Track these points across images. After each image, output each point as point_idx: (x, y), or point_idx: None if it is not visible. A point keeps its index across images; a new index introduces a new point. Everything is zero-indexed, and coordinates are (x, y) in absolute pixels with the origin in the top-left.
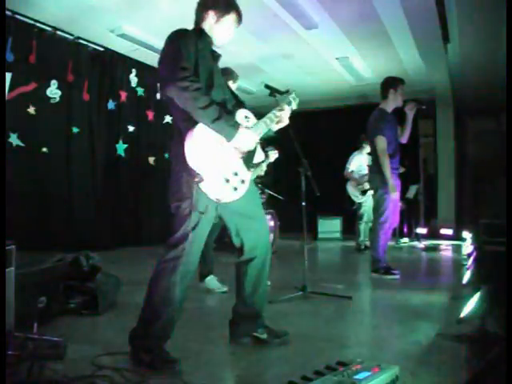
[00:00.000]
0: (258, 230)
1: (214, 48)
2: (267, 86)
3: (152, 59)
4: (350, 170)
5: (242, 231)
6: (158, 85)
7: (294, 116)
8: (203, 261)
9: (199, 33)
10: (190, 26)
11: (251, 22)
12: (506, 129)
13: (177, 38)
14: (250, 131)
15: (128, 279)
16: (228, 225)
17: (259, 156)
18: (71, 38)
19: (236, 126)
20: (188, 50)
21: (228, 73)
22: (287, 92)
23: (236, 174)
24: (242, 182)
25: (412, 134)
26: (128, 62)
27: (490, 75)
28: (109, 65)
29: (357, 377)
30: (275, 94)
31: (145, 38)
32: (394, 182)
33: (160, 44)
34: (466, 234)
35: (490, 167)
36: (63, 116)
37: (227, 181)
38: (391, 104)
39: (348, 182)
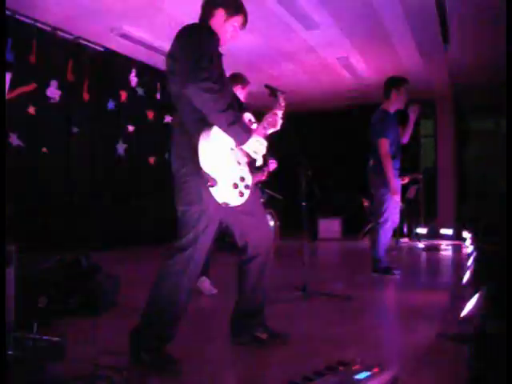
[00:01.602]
0: (261, 229)
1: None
2: (267, 86)
3: (152, 59)
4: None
5: (246, 232)
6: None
7: (295, 116)
8: None
9: (211, 31)
10: None
11: (251, 21)
12: (506, 129)
13: (197, 34)
14: (260, 136)
15: (128, 279)
16: (232, 227)
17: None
18: (71, 37)
19: (249, 131)
20: (206, 48)
21: (238, 78)
22: (276, 95)
23: (243, 179)
24: (247, 187)
25: (412, 134)
26: (128, 62)
27: (490, 75)
28: (109, 65)
29: (357, 377)
30: (275, 94)
31: (145, 37)
32: (395, 184)
33: (160, 44)
34: (466, 234)
35: (489, 167)
36: (63, 116)
37: (236, 186)
38: (394, 104)
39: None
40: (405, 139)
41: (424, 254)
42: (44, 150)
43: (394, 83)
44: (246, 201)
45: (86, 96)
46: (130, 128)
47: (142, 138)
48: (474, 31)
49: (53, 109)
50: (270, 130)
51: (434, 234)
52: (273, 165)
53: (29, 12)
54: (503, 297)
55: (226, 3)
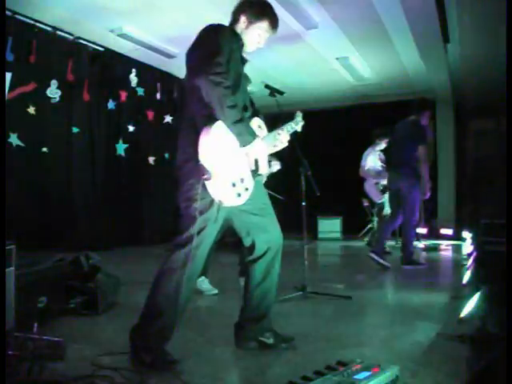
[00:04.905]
0: (269, 230)
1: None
2: (267, 86)
3: (152, 59)
4: (366, 168)
5: (253, 232)
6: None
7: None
8: None
9: (234, 33)
10: (191, 25)
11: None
12: (506, 129)
13: (216, 31)
14: (264, 142)
15: (128, 279)
16: (237, 225)
17: (265, 167)
18: (71, 37)
19: (254, 134)
20: (224, 47)
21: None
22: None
23: (242, 181)
24: (246, 189)
25: None
26: (128, 62)
27: (490, 75)
28: (109, 65)
29: (357, 377)
30: (275, 94)
31: (145, 38)
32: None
33: (160, 44)
34: (466, 234)
35: (489, 167)
36: (63, 116)
37: (233, 185)
38: (424, 120)
39: (365, 182)
40: None
41: (424, 254)
42: (44, 149)
43: (424, 105)
44: (253, 200)
45: (86, 96)
46: (130, 128)
47: (141, 138)
48: (474, 31)
49: (53, 109)
50: (276, 147)
51: (434, 234)
52: (276, 166)
53: (29, 12)
54: (503, 297)
55: (249, 10)
